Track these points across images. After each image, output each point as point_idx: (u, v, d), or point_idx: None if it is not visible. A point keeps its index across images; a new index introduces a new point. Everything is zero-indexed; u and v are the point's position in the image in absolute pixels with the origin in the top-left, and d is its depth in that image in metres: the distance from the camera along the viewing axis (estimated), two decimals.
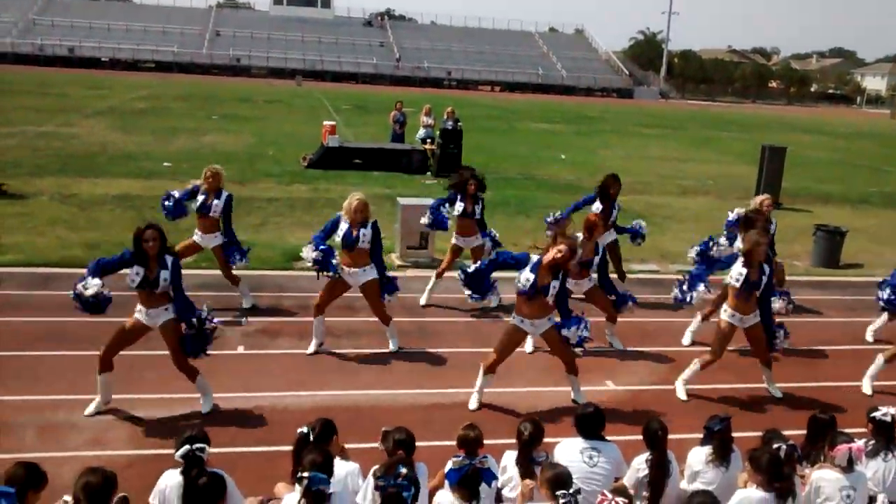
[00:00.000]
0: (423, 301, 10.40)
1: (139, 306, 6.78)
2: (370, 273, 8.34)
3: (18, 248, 11.63)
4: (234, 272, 9.89)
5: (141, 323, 6.77)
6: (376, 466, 4.95)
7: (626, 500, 4.57)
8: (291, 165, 21.26)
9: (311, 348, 8.47)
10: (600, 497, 4.46)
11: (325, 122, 22.98)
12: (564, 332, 7.26)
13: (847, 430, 5.99)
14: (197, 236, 9.62)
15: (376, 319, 8.74)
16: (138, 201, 15.29)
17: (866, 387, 8.38)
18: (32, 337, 8.41)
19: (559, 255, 6.95)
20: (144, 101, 39.04)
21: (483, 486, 4.70)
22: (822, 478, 5.41)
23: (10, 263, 10.99)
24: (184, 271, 7.06)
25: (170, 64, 74.68)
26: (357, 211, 8.16)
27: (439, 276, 10.41)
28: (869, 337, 10.11)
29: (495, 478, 4.71)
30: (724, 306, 7.85)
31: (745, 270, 7.59)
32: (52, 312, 9.15)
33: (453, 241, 10.39)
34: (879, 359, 8.39)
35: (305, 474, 4.37)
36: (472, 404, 7.42)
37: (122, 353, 6.89)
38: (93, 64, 71.79)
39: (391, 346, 8.72)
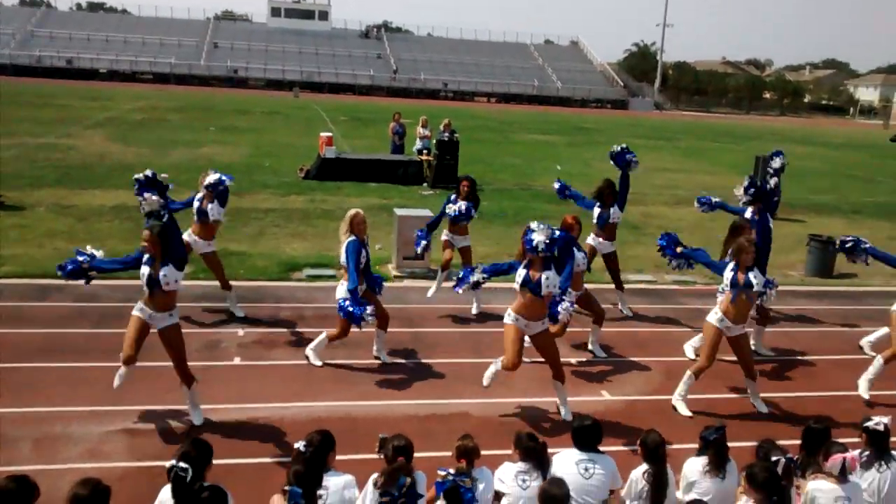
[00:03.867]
0: (430, 293, 10.71)
1: (142, 305, 6.76)
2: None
3: (16, 260, 11.64)
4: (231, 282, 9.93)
5: (142, 321, 6.74)
6: (376, 474, 4.98)
7: None
8: (288, 177, 21.31)
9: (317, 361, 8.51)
10: None
11: (322, 134, 23.06)
12: (556, 309, 7.27)
13: (843, 440, 6.03)
14: (189, 236, 9.47)
15: (373, 330, 8.76)
16: (136, 213, 15.14)
17: (863, 390, 8.42)
18: (30, 349, 8.41)
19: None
20: (142, 112, 39.09)
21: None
22: (818, 488, 5.44)
23: (7, 275, 11.00)
24: (183, 282, 7.06)
25: (167, 75, 74.81)
26: (363, 223, 8.29)
27: (445, 268, 10.70)
28: (866, 349, 9.95)
29: (474, 498, 4.73)
30: (715, 310, 7.88)
31: (733, 275, 7.67)
32: (50, 324, 9.17)
33: (444, 237, 10.69)
34: (878, 360, 8.44)
35: (286, 487, 4.43)
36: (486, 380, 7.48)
37: (117, 363, 6.87)
38: (91, 75, 71.94)
39: (383, 358, 8.74)
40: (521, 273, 7.24)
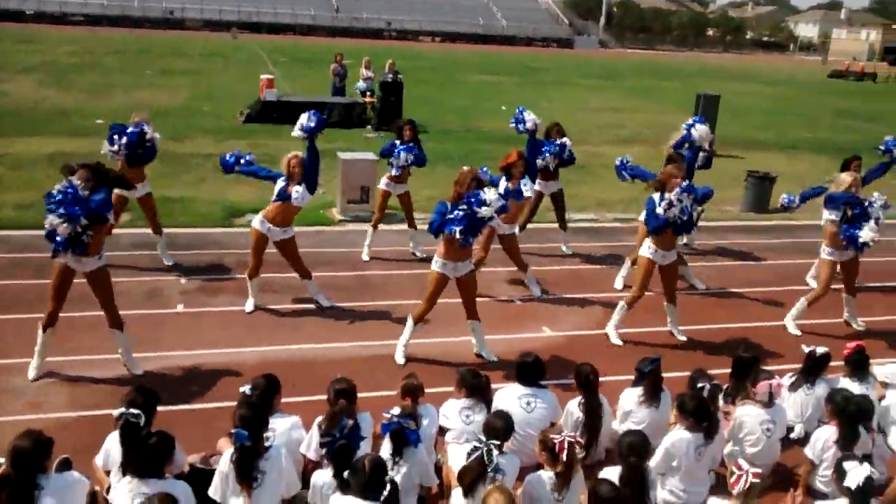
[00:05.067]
0: (365, 256, 10.45)
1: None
2: (289, 232, 8.36)
3: None
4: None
5: (69, 269, 6.58)
6: (320, 418, 5.08)
7: (573, 436, 4.76)
8: (229, 121, 20.89)
9: (249, 307, 8.48)
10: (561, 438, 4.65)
11: (263, 76, 22.55)
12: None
13: (772, 368, 6.33)
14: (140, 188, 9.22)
15: (322, 275, 8.75)
16: (72, 159, 14.82)
17: (791, 327, 8.76)
18: None
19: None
20: (76, 56, 37.64)
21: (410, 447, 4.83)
22: (745, 413, 5.73)
23: None
24: (118, 231, 6.93)
25: (99, 17, 71.83)
26: (293, 167, 8.16)
27: (375, 226, 10.49)
28: (811, 282, 10.17)
29: (418, 439, 4.85)
30: (647, 243, 8.01)
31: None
32: None
33: (383, 186, 10.38)
34: (802, 301, 8.76)
35: (233, 431, 4.49)
36: (399, 358, 7.47)
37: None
38: (17, 17, 68.60)
39: (322, 303, 8.69)
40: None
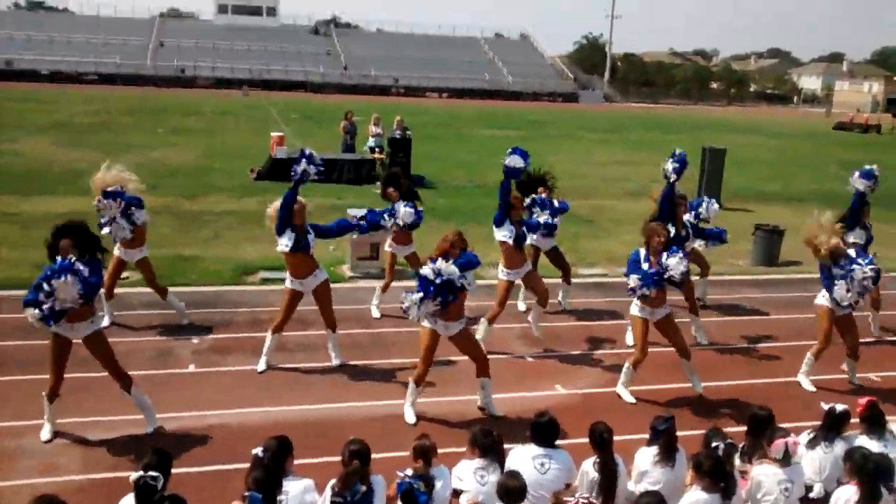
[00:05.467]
0: (375, 313, 10.49)
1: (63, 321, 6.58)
2: (321, 275, 8.43)
3: None
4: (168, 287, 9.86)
5: (64, 338, 6.63)
6: (333, 480, 5.05)
7: (587, 497, 4.73)
8: (240, 178, 21.14)
9: (262, 366, 8.49)
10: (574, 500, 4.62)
11: (273, 134, 22.90)
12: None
13: (787, 425, 6.28)
14: (119, 251, 9.33)
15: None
16: (86, 219, 15.03)
17: (805, 384, 8.70)
18: None
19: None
20: (90, 115, 38.31)
21: None
22: (762, 473, 5.66)
23: None
24: (129, 290, 6.99)
25: (113, 76, 73.22)
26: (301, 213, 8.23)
27: (385, 290, 10.50)
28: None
29: (429, 500, 4.83)
30: (634, 302, 8.01)
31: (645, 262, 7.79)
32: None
33: (388, 248, 10.46)
34: (808, 356, 8.74)
35: (246, 493, 4.48)
36: (410, 418, 7.44)
37: (69, 374, 6.81)
38: (32, 77, 70.04)
39: (333, 361, 8.67)
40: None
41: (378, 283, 10.67)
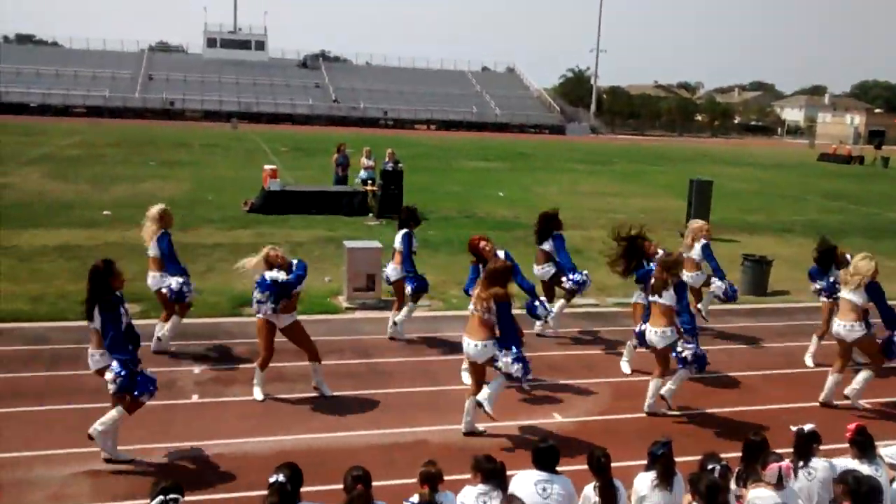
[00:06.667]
0: (398, 332, 10.84)
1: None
2: (288, 319, 8.66)
3: None
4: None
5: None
6: None
7: None
8: (232, 210, 21.29)
9: (259, 395, 8.61)
10: None
11: (266, 167, 23.11)
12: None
13: (780, 451, 6.43)
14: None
15: (332, 363, 8.89)
16: (80, 251, 15.17)
17: (809, 361, 9.95)
18: None
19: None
20: (78, 147, 38.45)
21: None
22: (757, 496, 5.80)
23: None
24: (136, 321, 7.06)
25: (101, 109, 73.55)
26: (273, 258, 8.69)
27: (399, 309, 10.83)
28: (808, 362, 10.64)
29: None
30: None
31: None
32: (2, 368, 9.07)
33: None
34: (814, 339, 9.78)
35: None
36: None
37: (75, 405, 6.93)
38: (21, 110, 70.21)
39: (325, 392, 8.78)
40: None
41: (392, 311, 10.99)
